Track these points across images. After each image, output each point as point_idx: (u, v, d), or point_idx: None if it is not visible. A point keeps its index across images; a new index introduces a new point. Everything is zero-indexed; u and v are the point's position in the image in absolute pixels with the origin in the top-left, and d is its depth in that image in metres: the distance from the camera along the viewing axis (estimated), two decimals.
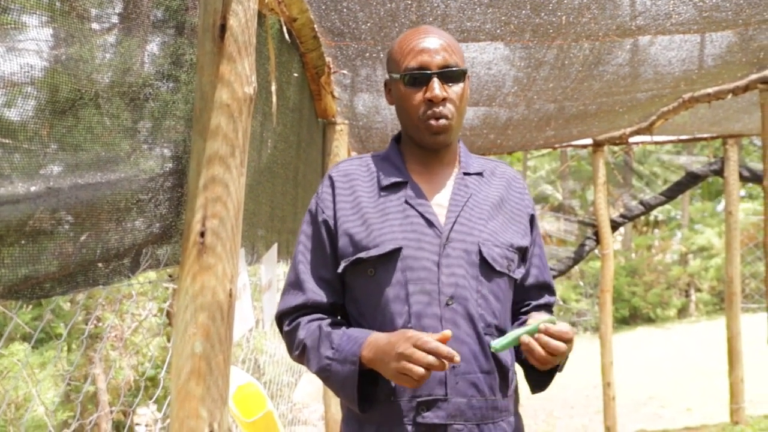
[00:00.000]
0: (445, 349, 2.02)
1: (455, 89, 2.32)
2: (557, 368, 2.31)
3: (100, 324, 7.94)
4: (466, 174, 2.42)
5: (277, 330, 7.73)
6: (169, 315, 8.01)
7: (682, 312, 24.90)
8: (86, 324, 7.57)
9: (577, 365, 14.96)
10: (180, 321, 1.89)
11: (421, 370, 2.00)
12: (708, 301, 24.69)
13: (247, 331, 3.20)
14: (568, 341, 2.11)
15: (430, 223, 2.28)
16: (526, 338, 2.10)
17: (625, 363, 14.68)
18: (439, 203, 2.35)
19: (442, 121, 2.30)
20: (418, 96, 2.30)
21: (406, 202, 2.32)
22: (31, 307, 8.55)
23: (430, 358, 2.00)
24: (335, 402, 5.13)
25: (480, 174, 2.45)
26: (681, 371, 14.60)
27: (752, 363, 10.06)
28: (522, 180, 2.56)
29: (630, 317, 24.02)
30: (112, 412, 7.60)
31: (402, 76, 2.32)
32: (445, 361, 2.01)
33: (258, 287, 3.67)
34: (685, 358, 16.11)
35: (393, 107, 5.45)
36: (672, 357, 16.47)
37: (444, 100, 2.29)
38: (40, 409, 7.32)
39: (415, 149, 2.43)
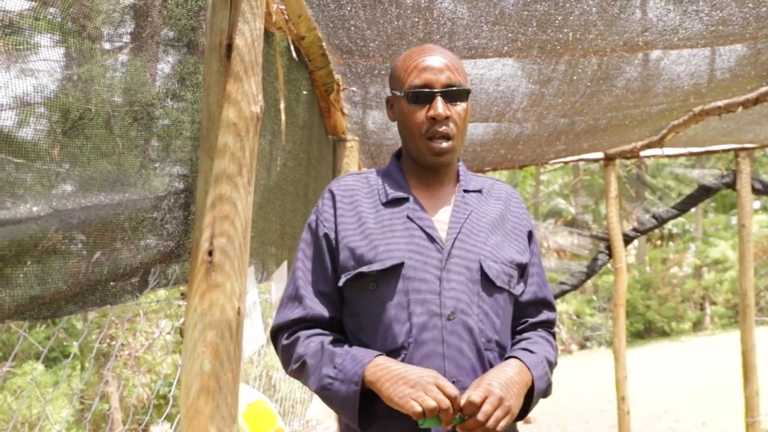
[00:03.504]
0: (459, 403, 2.03)
1: (458, 108, 2.33)
2: (531, 395, 2.27)
3: (113, 343, 7.96)
4: (465, 191, 2.43)
5: None
6: (182, 333, 8.02)
7: (697, 325, 24.81)
8: (99, 343, 7.59)
9: (592, 380, 14.91)
10: (189, 339, 1.90)
11: (433, 403, 1.99)
12: (723, 314, 24.58)
13: (258, 348, 3.21)
14: (485, 403, 2.05)
15: (431, 239, 2.28)
16: None
17: (640, 377, 14.63)
18: (440, 219, 2.36)
19: (445, 144, 2.31)
20: (421, 114, 2.31)
21: (408, 217, 2.32)
22: (44, 326, 8.59)
23: (447, 405, 2.00)
24: None
25: (479, 191, 2.46)
26: (696, 385, 14.54)
27: None
28: (520, 198, 2.57)
29: (645, 331, 23.95)
30: (128, 430, 7.60)
31: (405, 94, 2.33)
32: (451, 420, 2.02)
33: (269, 305, 3.68)
34: (700, 371, 16.04)
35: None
36: (687, 370, 16.40)
37: (447, 118, 2.29)
38: (55, 427, 7.33)
39: (416, 166, 2.44)
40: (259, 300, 3.11)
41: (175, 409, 7.08)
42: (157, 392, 7.92)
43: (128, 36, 1.97)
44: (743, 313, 8.94)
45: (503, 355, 2.32)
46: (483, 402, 2.04)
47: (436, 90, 2.31)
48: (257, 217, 2.80)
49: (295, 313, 2.37)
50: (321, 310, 2.36)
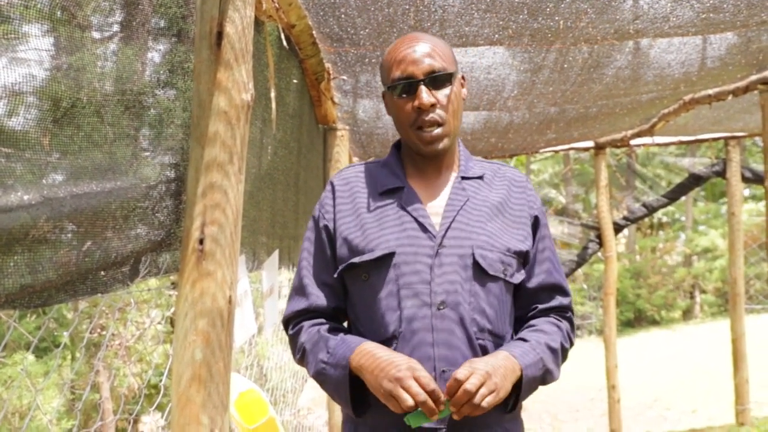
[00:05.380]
0: (438, 393, 2.03)
1: (443, 93, 2.32)
2: (519, 388, 2.24)
3: (104, 332, 7.95)
4: (464, 178, 2.42)
5: (279, 336, 7.72)
6: (172, 322, 8.02)
7: (687, 314, 24.85)
8: (90, 332, 7.58)
9: (582, 368, 14.94)
10: (180, 328, 1.89)
11: (411, 402, 1.99)
12: (713, 303, 24.62)
13: (249, 337, 3.21)
14: (466, 382, 2.03)
15: (424, 228, 2.28)
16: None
17: (630, 365, 14.67)
18: (436, 208, 2.35)
19: (436, 131, 2.30)
20: (408, 105, 2.31)
21: (402, 207, 2.33)
22: (35, 316, 8.57)
23: (424, 398, 2.00)
24: (339, 408, 5.13)
25: (480, 177, 2.45)
26: (686, 373, 14.58)
27: (757, 364, 10.05)
28: (526, 181, 2.53)
29: (635, 319, 23.97)
30: (117, 419, 7.59)
31: (390, 87, 2.34)
32: (434, 412, 2.01)
33: (260, 293, 3.68)
34: (690, 359, 16.08)
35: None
36: (677, 359, 16.44)
37: (433, 106, 2.29)
38: (46, 417, 7.32)
39: (414, 155, 2.44)
40: (250, 289, 3.10)
41: (166, 398, 7.08)
42: (147, 382, 7.91)
43: (118, 25, 1.96)
44: (733, 302, 8.98)
45: (499, 344, 2.30)
46: (467, 379, 2.03)
47: (418, 79, 2.30)
48: (248, 205, 2.80)
49: (300, 304, 2.41)
50: (324, 300, 2.38)
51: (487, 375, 2.05)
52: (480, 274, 2.27)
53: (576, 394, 13.50)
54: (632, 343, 19.43)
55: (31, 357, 7.94)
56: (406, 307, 2.22)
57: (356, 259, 2.29)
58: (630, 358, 15.80)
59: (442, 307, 2.21)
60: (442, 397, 2.04)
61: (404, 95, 2.32)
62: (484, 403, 2.03)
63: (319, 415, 8.84)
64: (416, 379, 2.03)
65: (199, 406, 1.86)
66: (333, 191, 2.45)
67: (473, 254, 2.27)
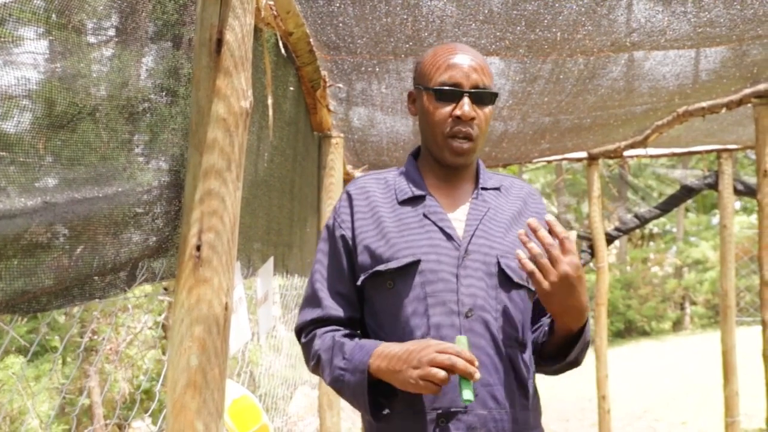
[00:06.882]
0: (467, 353, 2.03)
1: (483, 110, 2.33)
2: (584, 329, 2.32)
3: (96, 337, 7.92)
4: (483, 189, 2.44)
5: (271, 343, 7.70)
6: (164, 328, 8.01)
7: (677, 325, 24.92)
8: (81, 337, 7.55)
9: (573, 378, 14.95)
10: (175, 334, 1.89)
11: (443, 373, 2.00)
12: (703, 315, 24.70)
13: (244, 344, 3.20)
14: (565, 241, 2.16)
15: (448, 236, 2.29)
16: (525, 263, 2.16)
17: (620, 376, 14.68)
18: (457, 217, 2.36)
19: (466, 145, 2.32)
20: (446, 111, 2.31)
21: (425, 215, 2.33)
22: (26, 320, 8.54)
23: (454, 359, 2.00)
24: (330, 415, 5.12)
25: (497, 189, 2.47)
26: (676, 384, 14.60)
27: (747, 376, 10.06)
28: (539, 196, 2.57)
29: (625, 330, 24.03)
30: (107, 425, 7.57)
31: (434, 90, 2.32)
32: (469, 368, 2.01)
33: (254, 300, 3.68)
34: (680, 371, 16.11)
35: (392, 122, 5.47)
36: (667, 370, 16.47)
37: (472, 119, 2.30)
38: (35, 422, 7.29)
39: (434, 165, 2.45)
40: (245, 296, 3.10)
41: (158, 404, 7.06)
42: (138, 387, 7.89)
43: (116, 29, 1.96)
44: (724, 314, 8.98)
45: (524, 351, 2.33)
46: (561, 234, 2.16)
47: (464, 90, 2.30)
48: (243, 212, 2.79)
49: (313, 313, 2.41)
50: (338, 310, 2.38)
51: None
52: (505, 281, 2.29)
53: (566, 404, 13.51)
54: (622, 354, 19.48)
55: (22, 360, 7.91)
56: (433, 315, 2.23)
57: (381, 267, 2.28)
58: (620, 369, 15.82)
59: (470, 315, 2.22)
60: (470, 355, 2.04)
61: (445, 100, 2.32)
62: (573, 261, 2.19)
63: (310, 422, 8.82)
64: (439, 351, 2.04)
65: (194, 413, 1.85)
66: (350, 201, 2.44)
67: (498, 262, 2.29)
